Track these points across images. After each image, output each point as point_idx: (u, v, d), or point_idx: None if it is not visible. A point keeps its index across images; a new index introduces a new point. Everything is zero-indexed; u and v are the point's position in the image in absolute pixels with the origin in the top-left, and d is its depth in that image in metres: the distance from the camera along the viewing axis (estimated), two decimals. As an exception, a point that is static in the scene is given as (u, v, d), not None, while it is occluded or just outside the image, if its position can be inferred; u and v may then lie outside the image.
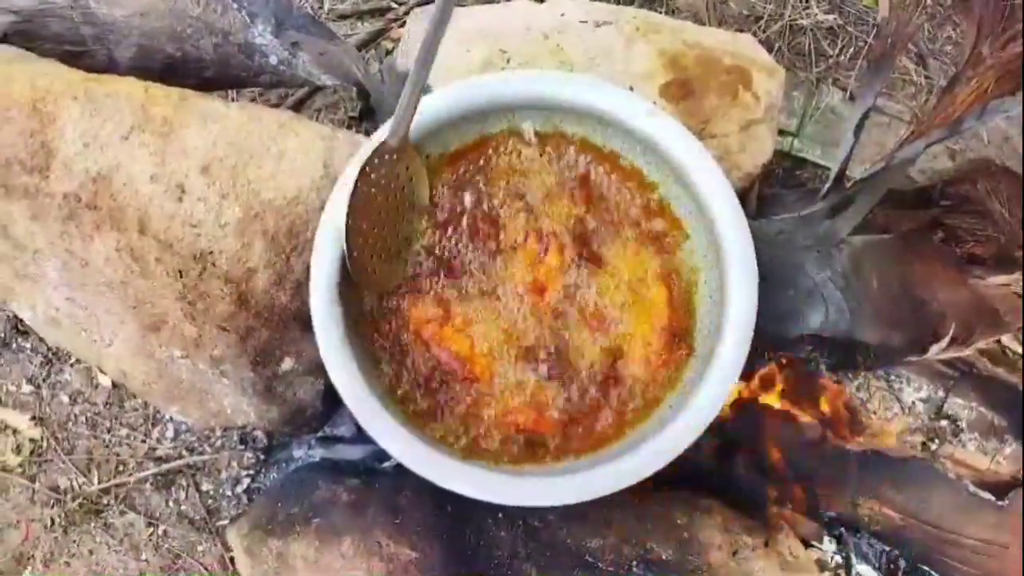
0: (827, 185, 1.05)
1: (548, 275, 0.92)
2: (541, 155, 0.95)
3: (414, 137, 0.90)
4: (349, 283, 0.89)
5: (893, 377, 1.23)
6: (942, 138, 0.93)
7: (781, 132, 1.31)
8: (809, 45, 1.49)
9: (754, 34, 1.39)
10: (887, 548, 1.18)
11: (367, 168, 0.84)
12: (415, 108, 0.84)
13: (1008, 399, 1.21)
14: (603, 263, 0.92)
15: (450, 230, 0.93)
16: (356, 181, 0.82)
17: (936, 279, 1.11)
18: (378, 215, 0.86)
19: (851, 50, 1.49)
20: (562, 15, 1.17)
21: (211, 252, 0.96)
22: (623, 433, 0.88)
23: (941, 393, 1.22)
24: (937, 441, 1.23)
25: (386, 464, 1.10)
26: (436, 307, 0.90)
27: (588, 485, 0.82)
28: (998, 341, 1.26)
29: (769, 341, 1.09)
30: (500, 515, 0.99)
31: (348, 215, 0.82)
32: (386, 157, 0.85)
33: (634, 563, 0.96)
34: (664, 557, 0.97)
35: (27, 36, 1.06)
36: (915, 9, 1.01)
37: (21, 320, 1.25)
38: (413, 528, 0.96)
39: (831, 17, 1.49)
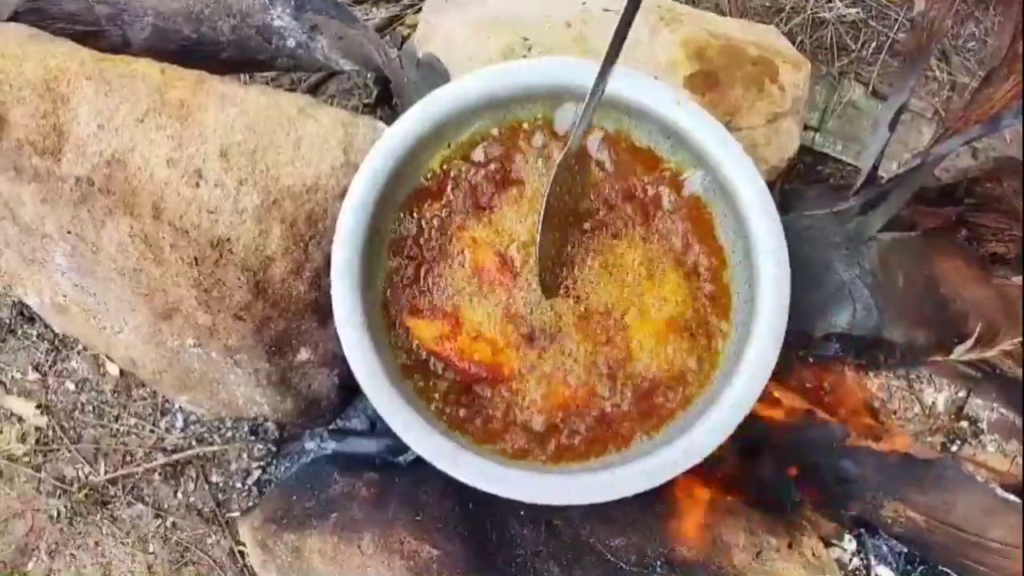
0: (860, 181, 1.03)
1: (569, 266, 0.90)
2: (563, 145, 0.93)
3: (431, 125, 0.89)
4: (370, 275, 0.87)
5: (914, 377, 1.22)
6: (979, 135, 0.91)
7: (804, 127, 1.29)
8: (831, 39, 1.47)
9: (776, 26, 1.37)
10: (906, 550, 1.17)
11: (556, 181, 0.85)
12: (591, 117, 0.84)
13: (1031, 401, 1.20)
14: (622, 254, 0.90)
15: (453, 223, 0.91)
16: (548, 197, 0.85)
17: (961, 278, 1.10)
18: (557, 223, 0.88)
19: (873, 44, 1.47)
20: (583, 3, 1.15)
21: (228, 239, 0.94)
22: (652, 431, 0.86)
23: (962, 394, 1.21)
24: (957, 442, 1.22)
25: (402, 458, 1.08)
26: (444, 322, 0.88)
27: (617, 484, 0.80)
28: (1022, 343, 1.25)
29: (796, 339, 1.07)
30: (522, 513, 0.98)
31: (541, 231, 0.85)
32: (571, 164, 0.87)
33: (657, 563, 0.94)
34: (687, 557, 0.96)
35: (40, 15, 1.03)
36: (948, 4, 0.98)
37: (27, 306, 1.23)
38: (435, 525, 0.94)
39: (854, 11, 1.47)
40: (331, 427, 1.17)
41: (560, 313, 0.89)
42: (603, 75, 0.81)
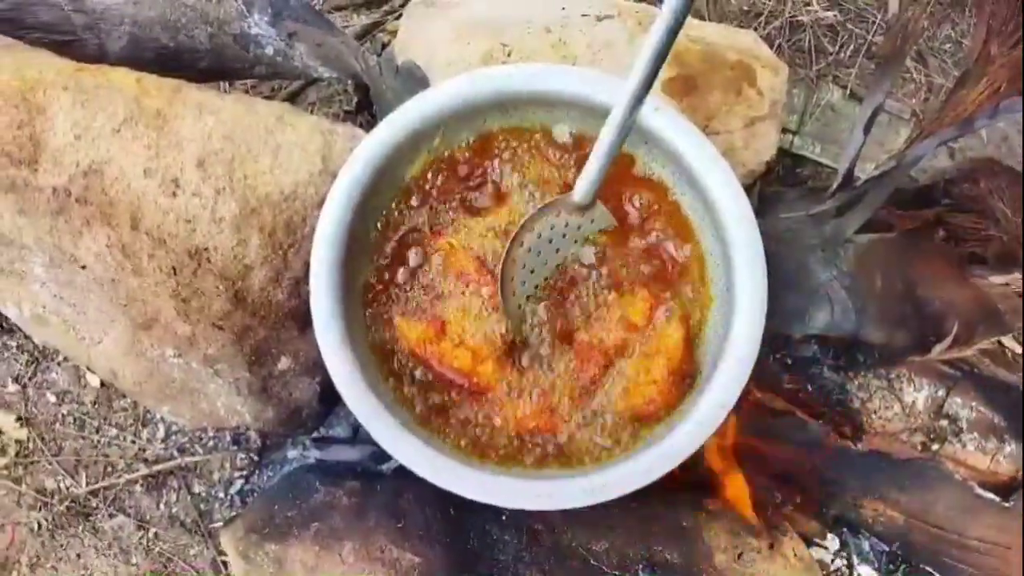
0: (836, 183, 1.04)
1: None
2: (541, 152, 0.93)
3: (410, 132, 0.89)
4: (349, 282, 0.87)
5: (893, 377, 1.23)
6: (954, 137, 0.92)
7: (782, 130, 1.30)
8: (809, 42, 1.48)
9: (754, 30, 1.38)
10: (888, 548, 1.18)
11: (533, 220, 0.84)
12: (608, 167, 0.82)
13: (1008, 399, 1.21)
14: (602, 261, 0.90)
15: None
16: (520, 231, 0.83)
17: (938, 278, 1.11)
18: (543, 262, 0.87)
19: (851, 47, 1.48)
20: (563, 9, 1.16)
21: (206, 248, 0.93)
22: (631, 437, 0.86)
23: (942, 393, 1.22)
24: (937, 441, 1.23)
25: (384, 466, 1.08)
26: (429, 324, 0.88)
27: (597, 489, 0.80)
28: (999, 341, 1.26)
29: (775, 341, 1.08)
30: (503, 519, 0.98)
31: (505, 264, 0.83)
32: (567, 213, 0.85)
33: (639, 566, 0.94)
34: (669, 560, 0.96)
35: (14, 25, 1.02)
36: (922, 7, 0.99)
37: (6, 318, 1.22)
38: (415, 533, 0.94)
39: (831, 14, 1.49)
40: (314, 435, 1.17)
41: (541, 333, 0.89)
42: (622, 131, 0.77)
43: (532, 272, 0.87)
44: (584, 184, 0.82)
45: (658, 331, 0.88)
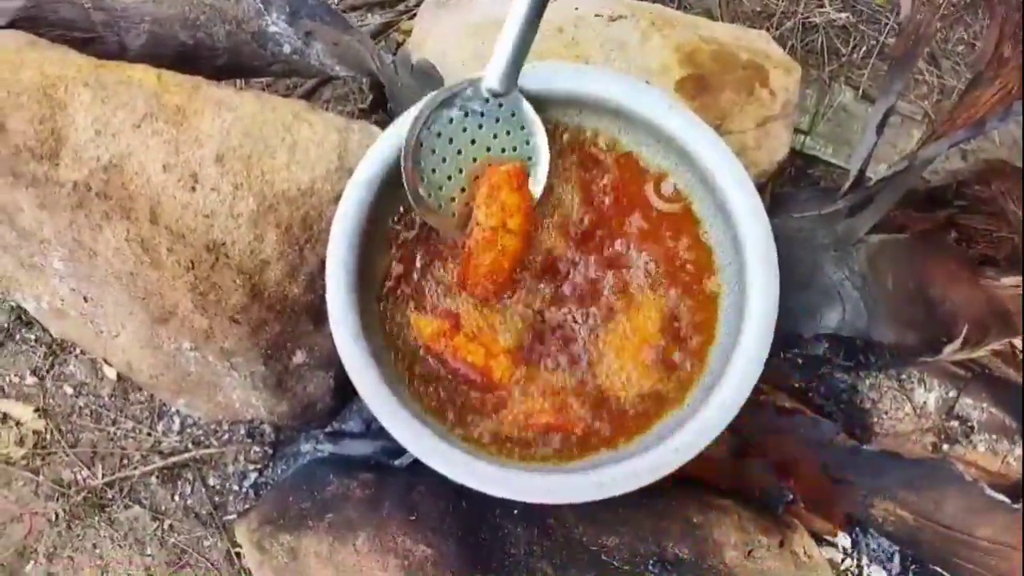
0: (847, 184, 1.04)
1: (558, 275, 0.90)
2: (558, 154, 0.94)
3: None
4: (364, 277, 0.88)
5: (904, 377, 1.23)
6: (966, 138, 0.92)
7: (794, 130, 1.31)
8: (821, 43, 1.48)
9: (767, 31, 1.39)
10: (898, 549, 1.18)
11: (444, 102, 0.84)
12: (524, 51, 0.81)
13: (1019, 400, 1.21)
14: (613, 261, 0.91)
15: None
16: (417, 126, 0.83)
17: (950, 279, 1.11)
18: (456, 151, 0.86)
19: (863, 48, 1.49)
20: (576, 9, 1.16)
21: (224, 243, 0.95)
22: (642, 434, 0.87)
23: (953, 394, 1.22)
24: (948, 442, 1.23)
25: (398, 461, 1.09)
26: (443, 320, 0.89)
27: (608, 484, 0.80)
28: (1010, 343, 1.26)
29: (786, 340, 1.09)
30: (515, 512, 0.99)
31: (410, 141, 0.83)
32: (482, 99, 0.85)
33: (650, 562, 0.95)
34: (680, 556, 0.96)
35: (36, 22, 1.04)
36: (934, 9, 1.00)
37: (25, 311, 1.24)
38: (428, 524, 0.95)
39: (844, 15, 1.49)
40: (327, 429, 1.18)
41: (551, 327, 0.89)
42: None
43: (445, 161, 0.87)
44: (495, 66, 0.83)
45: (670, 328, 0.89)
